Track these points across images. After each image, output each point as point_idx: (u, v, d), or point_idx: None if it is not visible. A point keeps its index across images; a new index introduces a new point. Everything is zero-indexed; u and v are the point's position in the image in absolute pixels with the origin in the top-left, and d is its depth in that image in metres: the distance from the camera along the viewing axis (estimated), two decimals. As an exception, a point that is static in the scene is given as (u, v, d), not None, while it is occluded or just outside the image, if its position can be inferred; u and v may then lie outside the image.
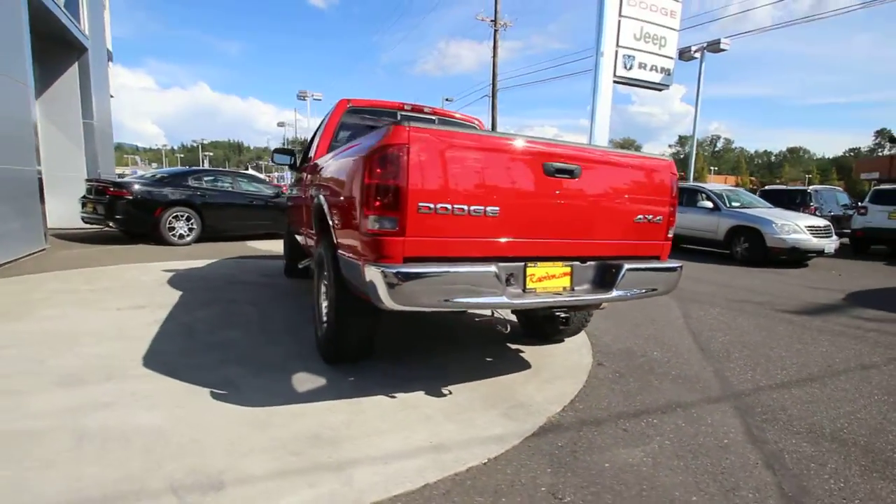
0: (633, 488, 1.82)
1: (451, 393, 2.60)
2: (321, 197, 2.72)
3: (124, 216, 7.66)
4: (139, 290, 4.65)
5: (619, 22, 12.90)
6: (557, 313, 2.56)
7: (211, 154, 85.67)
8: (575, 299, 2.33)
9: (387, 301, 1.94)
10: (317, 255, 3.04)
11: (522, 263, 2.22)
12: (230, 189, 9.10)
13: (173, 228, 8.03)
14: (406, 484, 1.78)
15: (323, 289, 3.09)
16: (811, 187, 12.43)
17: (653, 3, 13.51)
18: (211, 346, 3.14)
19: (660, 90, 14.50)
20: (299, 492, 1.70)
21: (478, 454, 2.01)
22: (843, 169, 63.92)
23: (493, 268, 2.07)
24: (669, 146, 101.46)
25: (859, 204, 10.27)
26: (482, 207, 2.08)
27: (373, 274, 1.95)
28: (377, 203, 1.94)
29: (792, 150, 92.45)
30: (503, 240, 2.16)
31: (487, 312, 3.91)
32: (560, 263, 2.33)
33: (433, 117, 4.21)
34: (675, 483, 1.86)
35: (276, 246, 8.62)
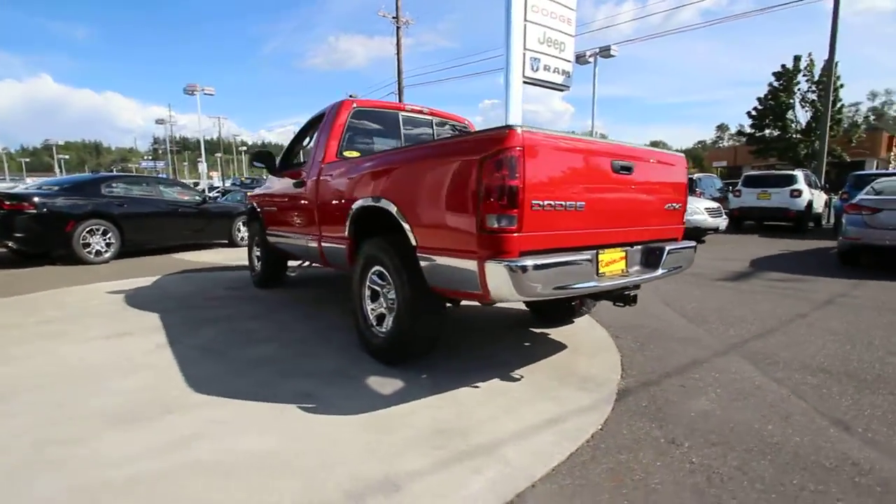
0: (724, 427, 2.21)
1: (522, 377, 2.81)
2: (384, 200, 2.72)
3: (26, 233, 6.48)
4: (101, 316, 4.07)
5: (525, 27, 13.80)
6: (627, 292, 2.88)
7: (66, 157, 73.28)
8: (633, 279, 2.67)
9: (509, 293, 2.09)
10: (364, 260, 3.01)
11: (596, 251, 2.50)
12: (151, 196, 8.12)
13: (88, 244, 6.98)
14: (555, 456, 1.96)
15: (367, 292, 3.08)
16: (694, 175, 14.60)
17: (552, 10, 14.66)
18: (253, 364, 2.96)
19: (561, 90, 15.70)
20: (473, 477, 1.80)
21: (589, 422, 2.26)
22: (696, 159, 74.94)
23: (588, 256, 2.32)
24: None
25: (733, 188, 12.36)
26: (574, 203, 2.31)
27: (495, 269, 2.08)
28: (497, 202, 2.07)
29: (654, 143, 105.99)
30: (586, 231, 2.42)
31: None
32: (618, 249, 2.66)
33: (430, 118, 4.31)
34: (748, 418, 2.29)
35: (211, 257, 7.97)
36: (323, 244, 3.67)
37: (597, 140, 2.48)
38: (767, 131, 26.38)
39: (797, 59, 24.90)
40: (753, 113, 26.73)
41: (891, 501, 1.69)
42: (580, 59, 19.23)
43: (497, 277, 2.09)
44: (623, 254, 2.69)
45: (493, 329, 3.84)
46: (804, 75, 24.80)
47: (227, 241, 9.51)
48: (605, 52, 18.80)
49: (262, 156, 4.65)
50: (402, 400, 2.47)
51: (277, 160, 4.75)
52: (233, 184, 27.23)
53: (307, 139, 4.64)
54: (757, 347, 3.34)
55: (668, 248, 2.82)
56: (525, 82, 15.21)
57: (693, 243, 3.13)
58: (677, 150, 3.50)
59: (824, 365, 3.00)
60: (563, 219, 2.29)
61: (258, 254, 5.42)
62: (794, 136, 25.12)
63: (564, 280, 2.24)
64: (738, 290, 5.21)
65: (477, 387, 2.66)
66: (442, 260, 2.39)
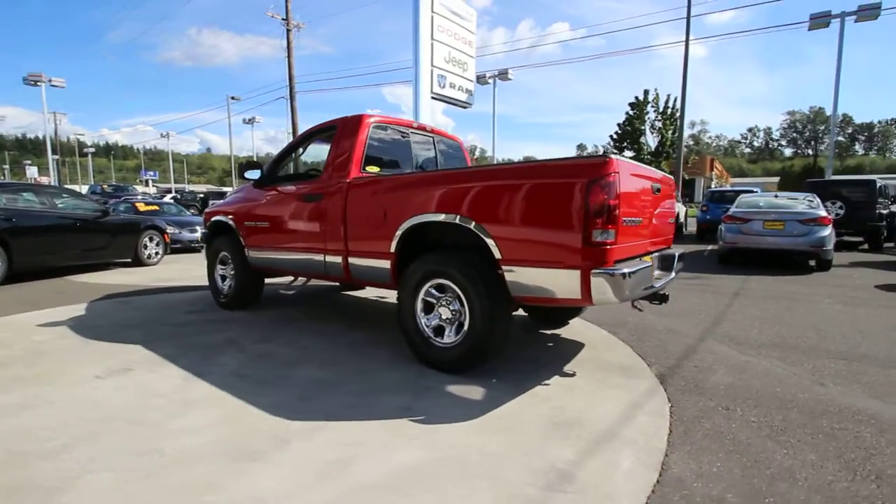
0: (750, 394, 2.83)
1: (574, 373, 3.17)
2: (459, 217, 2.86)
3: None
4: (67, 353, 3.43)
5: (433, 45, 14.61)
6: (664, 292, 3.38)
7: None
8: (663, 282, 3.22)
9: (610, 297, 2.44)
10: (421, 274, 3.10)
11: (640, 258, 2.98)
12: (45, 209, 6.77)
13: (-38, 269, 5.60)
14: (660, 431, 2.36)
15: (420, 304, 3.18)
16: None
17: (456, 32, 15.74)
18: (315, 387, 2.85)
19: (464, 107, 16.87)
20: (618, 457, 2.10)
21: (660, 402, 2.71)
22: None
23: (650, 262, 2.78)
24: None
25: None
26: (639, 218, 2.76)
27: (600, 277, 2.41)
28: (601, 219, 2.41)
29: (527, 159, 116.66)
30: (640, 242, 2.89)
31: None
32: (648, 256, 3.19)
33: (432, 136, 4.48)
34: (760, 386, 2.96)
35: (122, 278, 6.98)
36: (351, 260, 3.62)
37: (646, 167, 2.98)
38: (626, 152, 30.97)
39: (646, 92, 29.81)
40: (614, 136, 31.20)
41: (874, 429, 2.41)
42: (480, 79, 20.61)
43: (602, 284, 2.42)
44: (651, 260, 3.22)
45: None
46: (652, 106, 29.73)
47: (130, 260, 8.30)
48: (502, 74, 20.42)
49: (253, 166, 4.34)
50: (499, 402, 2.65)
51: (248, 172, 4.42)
52: (91, 192, 23.02)
53: (301, 151, 4.48)
54: (722, 332, 4.18)
55: (678, 252, 3.44)
56: (433, 98, 15.97)
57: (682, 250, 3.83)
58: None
59: (774, 342, 3.90)
60: (633, 232, 2.73)
61: (225, 273, 4.97)
62: (646, 157, 29.87)
63: (643, 283, 2.68)
64: (712, 292, 6.26)
65: (548, 384, 2.95)
66: (533, 271, 2.64)
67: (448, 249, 3.15)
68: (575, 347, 3.73)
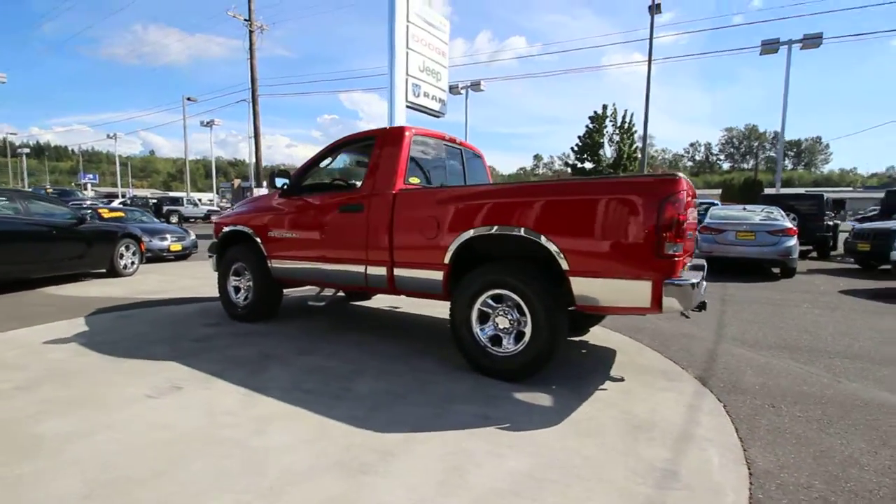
0: (783, 392, 3.10)
1: (622, 378, 3.34)
2: (524, 229, 2.97)
3: None
4: (99, 373, 3.23)
5: (408, 54, 14.77)
6: (704, 300, 3.60)
7: None
8: (704, 290, 3.45)
9: (677, 306, 2.63)
10: (480, 285, 3.18)
11: (690, 268, 3.21)
12: (18, 215, 6.25)
13: (-70, 281, 5.08)
14: (726, 428, 2.56)
15: (476, 315, 3.25)
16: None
17: (430, 42, 15.99)
18: (386, 398, 2.86)
19: (437, 117, 17.07)
20: (706, 454, 2.27)
21: (711, 402, 2.92)
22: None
23: (704, 273, 3.01)
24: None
25: None
26: (691, 232, 2.98)
27: (673, 287, 2.60)
28: (671, 233, 2.59)
29: (491, 168, 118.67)
30: (688, 253, 3.12)
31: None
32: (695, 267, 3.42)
33: (461, 147, 4.58)
34: (788, 384, 3.25)
35: (108, 290, 6.57)
36: (397, 271, 3.63)
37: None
38: (586, 163, 32.29)
39: (605, 107, 31.26)
40: (575, 148, 32.47)
41: (892, 418, 2.73)
42: (452, 89, 20.90)
43: (673, 294, 2.60)
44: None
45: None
46: (611, 120, 31.20)
47: (105, 271, 7.80)
48: (475, 85, 20.81)
49: (283, 175, 4.28)
50: (570, 408, 2.77)
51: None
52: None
53: (330, 161, 4.44)
54: (731, 336, 4.52)
55: (704, 262, 3.71)
56: (408, 106, 16.11)
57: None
58: (503, 175, 4.54)
59: (779, 344, 4.27)
60: (688, 244, 2.94)
61: (239, 284, 4.81)
62: (605, 168, 31.26)
63: (702, 292, 2.88)
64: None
65: (605, 389, 3.10)
66: (602, 281, 2.79)
67: (504, 261, 3.24)
68: (608, 353, 3.92)
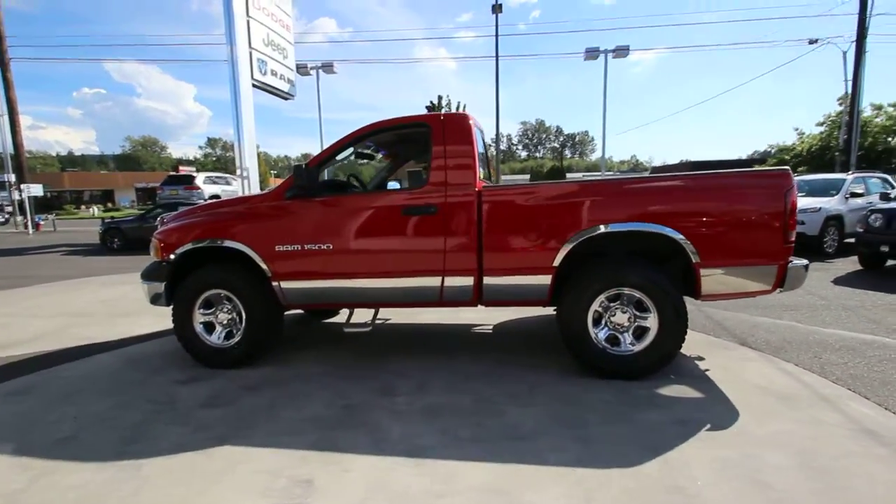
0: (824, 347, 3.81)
1: (672, 376, 3.29)
2: (660, 226, 2.93)
3: None
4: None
5: (248, 23, 13.16)
6: None
7: None
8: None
9: (796, 286, 3.00)
10: (599, 285, 3.06)
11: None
12: None
13: None
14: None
15: (591, 316, 3.13)
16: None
17: (273, 11, 14.55)
18: (552, 423, 2.57)
19: (286, 99, 15.66)
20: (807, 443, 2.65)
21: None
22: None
23: None
24: (200, 147, 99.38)
25: None
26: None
27: (796, 269, 2.94)
28: (792, 220, 2.91)
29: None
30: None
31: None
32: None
33: (480, 131, 4.21)
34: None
35: None
36: (487, 280, 3.19)
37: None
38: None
39: (440, 98, 32.71)
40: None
41: None
42: (301, 69, 18.99)
43: (794, 274, 2.94)
44: None
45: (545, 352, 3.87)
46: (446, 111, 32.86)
47: None
48: (327, 67, 19.29)
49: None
50: (733, 415, 2.66)
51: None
52: None
53: (351, 152, 3.59)
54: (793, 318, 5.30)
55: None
56: (255, 86, 14.38)
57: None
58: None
59: (844, 325, 4.88)
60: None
61: (212, 320, 3.56)
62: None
63: None
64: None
65: (659, 392, 3.06)
66: (731, 269, 2.96)
67: (615, 258, 3.15)
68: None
